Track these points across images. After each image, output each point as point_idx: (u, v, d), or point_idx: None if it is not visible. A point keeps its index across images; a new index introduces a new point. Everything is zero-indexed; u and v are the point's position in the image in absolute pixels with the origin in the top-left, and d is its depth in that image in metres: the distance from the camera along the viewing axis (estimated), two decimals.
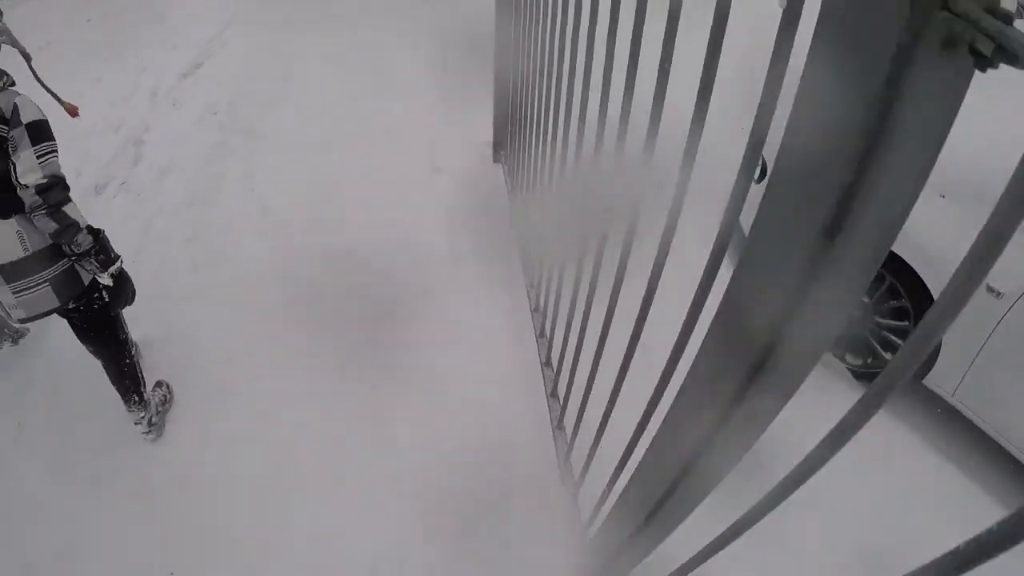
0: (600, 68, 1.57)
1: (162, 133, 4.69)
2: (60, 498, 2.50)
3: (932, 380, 2.58)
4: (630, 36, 1.31)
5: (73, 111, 2.47)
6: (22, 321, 2.16)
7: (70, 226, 1.98)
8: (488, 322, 3.03)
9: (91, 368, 2.57)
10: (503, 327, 3.01)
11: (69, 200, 1.99)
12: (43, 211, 1.92)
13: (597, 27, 1.63)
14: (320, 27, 6.09)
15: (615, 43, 1.48)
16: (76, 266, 2.14)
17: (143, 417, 2.56)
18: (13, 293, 2.05)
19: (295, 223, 3.60)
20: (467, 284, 3.18)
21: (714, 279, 1.00)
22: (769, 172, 0.75)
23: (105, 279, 2.19)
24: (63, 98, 2.44)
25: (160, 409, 2.66)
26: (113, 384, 2.52)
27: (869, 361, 2.88)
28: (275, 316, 3.00)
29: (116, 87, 5.40)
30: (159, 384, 2.77)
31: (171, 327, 3.11)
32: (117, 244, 2.27)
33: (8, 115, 1.90)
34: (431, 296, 3.14)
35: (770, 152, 0.77)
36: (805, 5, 0.72)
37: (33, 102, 1.98)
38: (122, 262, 2.24)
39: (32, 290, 2.07)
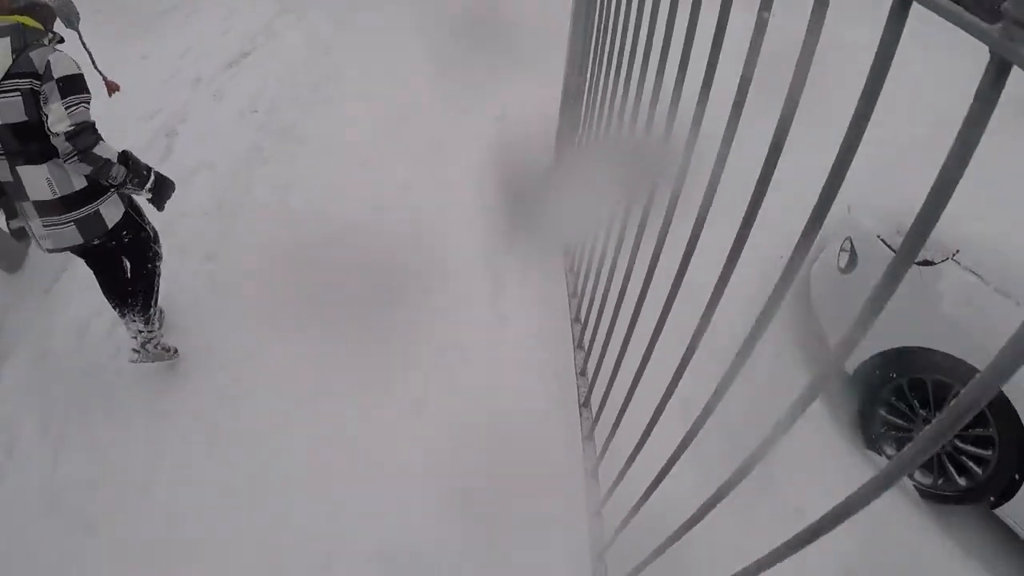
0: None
1: (198, 126, 4.46)
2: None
3: (1008, 511, 2.34)
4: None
5: (113, 88, 2.54)
6: (49, 251, 2.39)
7: (104, 164, 2.21)
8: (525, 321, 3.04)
9: None
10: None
11: (97, 142, 2.18)
12: (75, 156, 2.14)
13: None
14: (379, 20, 5.86)
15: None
16: (100, 210, 2.36)
17: (140, 332, 2.65)
18: (44, 226, 2.31)
19: (326, 244, 3.38)
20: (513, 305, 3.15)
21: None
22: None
23: (145, 195, 2.45)
24: (106, 74, 2.56)
25: (165, 350, 2.74)
26: (128, 299, 2.61)
27: (939, 482, 2.59)
28: (298, 327, 2.85)
29: (159, 68, 5.23)
30: (168, 349, 2.81)
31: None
32: None
33: (42, 71, 2.09)
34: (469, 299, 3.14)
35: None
36: None
37: (70, 58, 2.16)
38: (154, 172, 2.45)
39: (59, 226, 2.31)
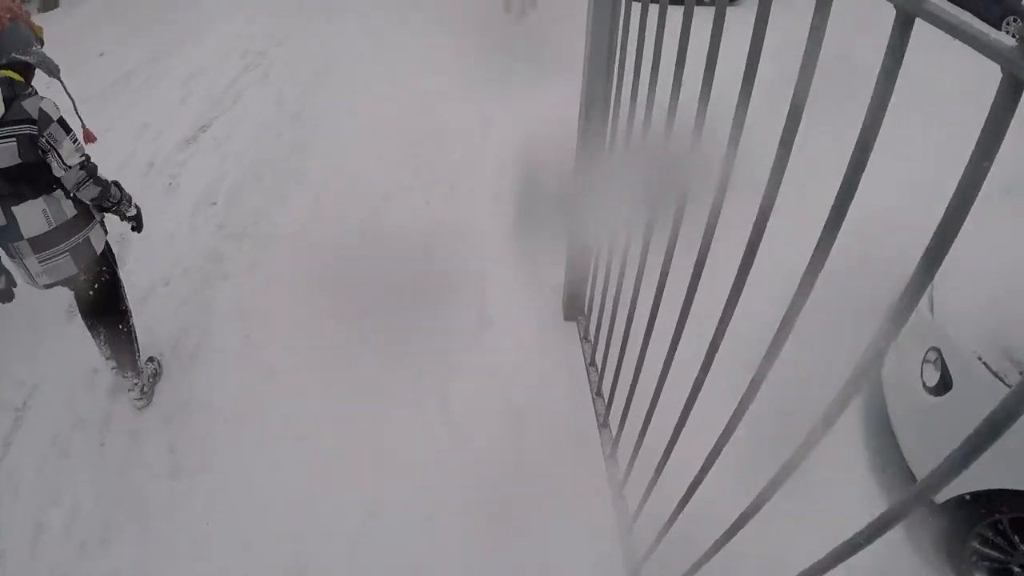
0: None
1: (150, 227, 3.68)
2: None
3: None
4: None
5: (90, 137, 2.58)
6: (46, 286, 2.51)
7: (106, 185, 2.46)
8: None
9: None
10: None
11: (96, 169, 2.42)
12: (89, 182, 2.37)
13: None
14: (352, 71, 5.22)
15: None
16: (100, 222, 2.58)
17: (136, 384, 2.81)
18: (39, 262, 2.41)
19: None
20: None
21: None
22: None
23: (132, 211, 2.66)
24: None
25: (151, 380, 2.91)
26: (111, 355, 2.75)
27: None
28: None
29: (113, 152, 4.57)
30: (151, 359, 2.99)
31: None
32: None
33: (36, 118, 2.23)
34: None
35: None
36: None
37: (52, 101, 2.32)
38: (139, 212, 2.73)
39: (55, 258, 2.43)
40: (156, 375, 2.97)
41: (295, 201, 3.86)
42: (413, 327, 2.94)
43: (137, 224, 2.77)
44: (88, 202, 2.48)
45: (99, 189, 2.43)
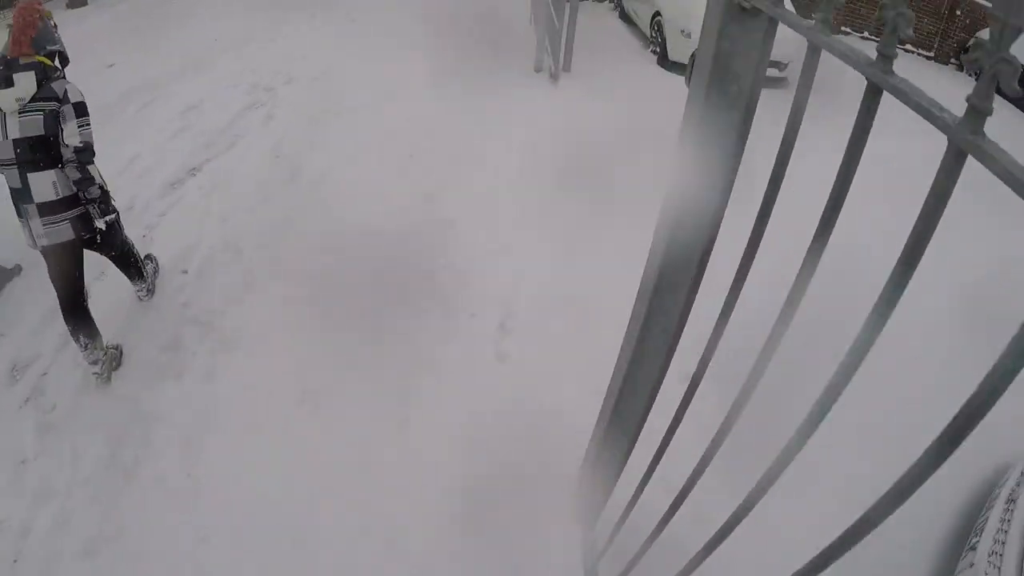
0: None
1: (112, 294, 3.51)
2: None
3: None
4: None
5: None
6: (44, 248, 2.78)
7: (88, 178, 2.73)
8: None
9: None
10: None
11: (93, 162, 2.76)
12: (74, 164, 2.69)
13: None
14: (352, 123, 4.90)
15: None
16: (88, 209, 2.82)
17: (144, 286, 3.34)
18: (43, 225, 2.73)
19: None
20: None
21: None
22: None
23: (100, 224, 2.86)
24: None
25: (154, 277, 3.44)
26: (122, 271, 3.24)
27: None
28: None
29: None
30: (148, 258, 3.50)
31: None
32: None
33: (60, 96, 2.64)
34: None
35: None
36: None
37: (77, 88, 2.71)
38: (117, 216, 3.00)
39: (57, 224, 2.75)
40: (156, 272, 3.51)
41: (265, 293, 3.50)
42: None
43: (102, 238, 2.98)
44: (73, 183, 2.74)
45: (80, 176, 2.71)
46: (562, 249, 3.87)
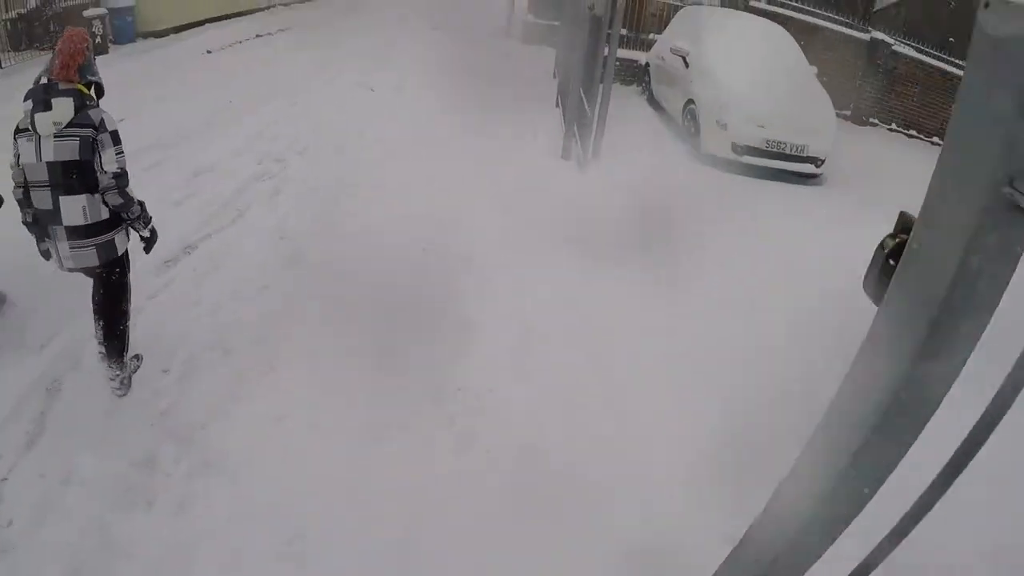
0: None
1: (78, 408, 3.10)
2: None
3: None
4: None
5: None
6: (70, 270, 2.93)
7: (128, 201, 2.84)
8: None
9: None
10: None
11: (128, 184, 2.84)
12: (114, 191, 2.78)
13: None
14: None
15: None
16: (125, 230, 2.98)
17: (118, 375, 3.08)
18: (70, 248, 2.82)
19: None
20: None
21: None
22: None
23: (145, 232, 3.04)
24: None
25: (131, 374, 3.18)
26: (104, 343, 3.04)
27: None
28: None
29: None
30: (135, 356, 3.26)
31: None
32: None
33: (96, 124, 2.72)
34: None
35: None
36: None
37: (112, 116, 2.81)
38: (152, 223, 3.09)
39: (84, 249, 2.83)
40: (136, 370, 3.25)
41: (254, 404, 3.06)
42: None
43: (147, 244, 3.14)
44: (112, 208, 2.84)
45: (121, 201, 2.82)
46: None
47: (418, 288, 3.84)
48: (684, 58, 7.91)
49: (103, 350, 3.04)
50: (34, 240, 2.95)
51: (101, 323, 3.05)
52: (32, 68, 5.53)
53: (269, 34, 11.28)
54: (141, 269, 3.90)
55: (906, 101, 11.01)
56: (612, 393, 3.33)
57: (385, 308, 3.55)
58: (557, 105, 8.48)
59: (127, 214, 2.88)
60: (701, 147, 7.15)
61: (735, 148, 6.87)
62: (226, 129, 5.87)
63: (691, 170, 6.86)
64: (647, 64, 9.68)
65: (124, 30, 9.65)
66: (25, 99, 2.70)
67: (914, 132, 11.01)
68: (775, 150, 6.90)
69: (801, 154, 6.99)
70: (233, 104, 6.70)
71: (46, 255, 3.02)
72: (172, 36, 10.36)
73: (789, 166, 7.05)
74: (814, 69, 8.01)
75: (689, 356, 3.50)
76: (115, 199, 2.79)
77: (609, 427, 3.12)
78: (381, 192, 4.94)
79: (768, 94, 6.93)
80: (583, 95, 6.21)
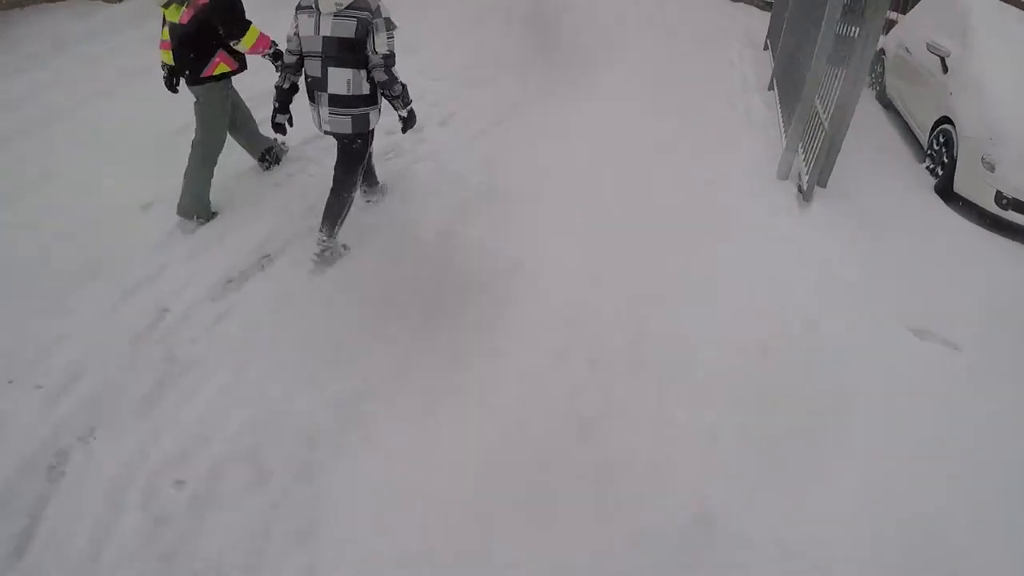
0: None
1: None
2: None
3: None
4: None
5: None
6: (326, 133, 3.35)
7: (393, 79, 3.19)
8: None
9: None
10: None
11: (395, 65, 3.20)
12: (381, 68, 3.15)
13: None
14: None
15: None
16: (379, 109, 3.36)
17: (323, 242, 3.48)
18: (329, 113, 3.23)
19: None
20: None
21: None
22: None
23: (403, 112, 3.39)
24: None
25: (338, 253, 3.58)
26: (326, 206, 3.48)
27: None
28: None
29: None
30: (345, 246, 3.64)
31: None
32: None
33: (373, 9, 3.08)
34: None
35: None
36: None
37: (386, 5, 3.16)
38: (412, 105, 3.43)
39: (341, 116, 3.23)
40: (342, 255, 3.59)
41: None
42: None
43: (405, 124, 3.47)
44: (378, 83, 3.21)
45: (386, 78, 3.17)
46: None
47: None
48: (943, 59, 6.19)
49: (323, 217, 3.48)
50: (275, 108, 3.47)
51: (332, 188, 3.48)
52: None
53: None
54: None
55: None
56: None
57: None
58: (771, 88, 7.08)
59: (389, 91, 3.23)
60: (954, 184, 5.58)
61: (1000, 200, 5.23)
62: None
63: (934, 214, 5.38)
64: (882, 51, 7.84)
65: None
66: None
67: None
68: None
69: None
70: None
71: (279, 128, 3.54)
72: None
73: None
74: None
75: None
76: (381, 75, 3.16)
77: None
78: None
79: None
80: (816, 95, 4.87)
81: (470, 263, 3.64)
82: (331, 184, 3.47)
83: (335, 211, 3.45)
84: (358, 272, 3.52)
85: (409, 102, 3.35)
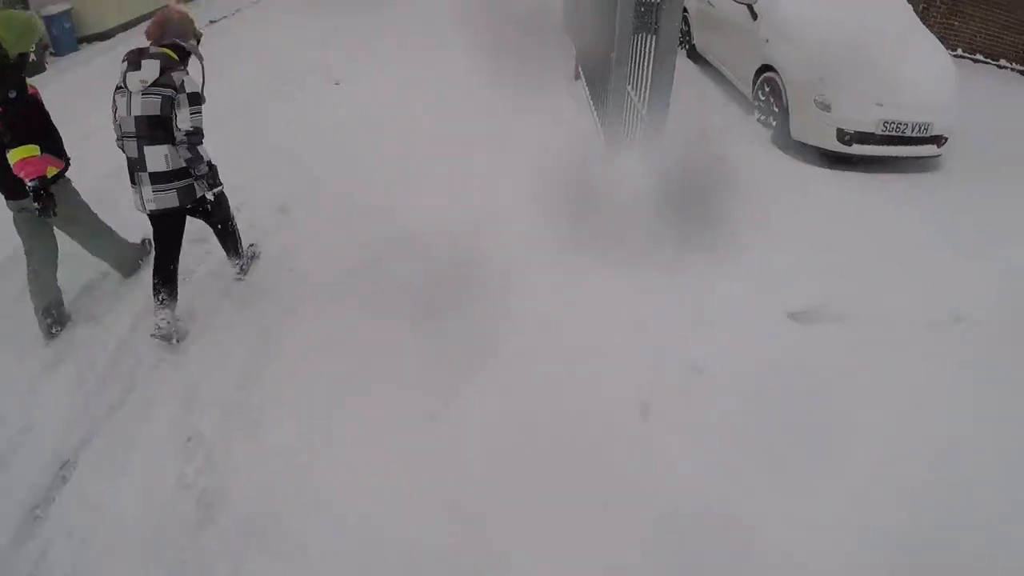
0: None
1: None
2: None
3: None
4: None
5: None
6: (151, 213, 3.20)
7: (198, 157, 3.09)
8: None
9: None
10: None
11: (201, 143, 3.11)
12: (185, 146, 3.05)
13: None
14: None
15: None
16: (195, 183, 3.19)
17: (238, 263, 3.73)
18: (153, 191, 3.13)
19: None
20: None
21: None
22: None
23: (209, 195, 3.27)
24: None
25: (249, 261, 3.83)
26: (222, 245, 3.64)
27: None
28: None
29: None
30: (251, 245, 3.90)
31: None
32: None
33: (177, 85, 3.01)
34: None
35: None
36: None
37: (194, 80, 3.10)
38: (222, 189, 3.32)
39: (165, 192, 3.14)
40: (254, 256, 3.91)
41: None
42: None
43: (213, 209, 3.38)
44: (184, 161, 3.12)
45: (190, 156, 3.09)
46: None
47: None
48: (750, 6, 5.92)
49: (226, 251, 3.68)
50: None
51: (216, 232, 3.60)
52: None
53: (224, 17, 9.32)
54: None
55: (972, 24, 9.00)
56: None
57: None
58: (577, 77, 6.66)
59: (195, 170, 3.14)
60: (791, 132, 5.35)
61: (843, 136, 5.03)
62: None
63: (774, 162, 5.15)
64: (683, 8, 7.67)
65: (63, 39, 7.74)
66: (122, 60, 3.06)
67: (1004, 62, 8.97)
68: (894, 133, 5.08)
69: (924, 135, 5.15)
70: None
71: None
72: (120, 36, 8.48)
73: (907, 151, 5.26)
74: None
75: None
76: (185, 153, 3.08)
77: None
78: None
79: (881, 57, 5.06)
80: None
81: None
82: (216, 232, 3.60)
83: (232, 240, 3.64)
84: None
85: (218, 185, 3.25)
